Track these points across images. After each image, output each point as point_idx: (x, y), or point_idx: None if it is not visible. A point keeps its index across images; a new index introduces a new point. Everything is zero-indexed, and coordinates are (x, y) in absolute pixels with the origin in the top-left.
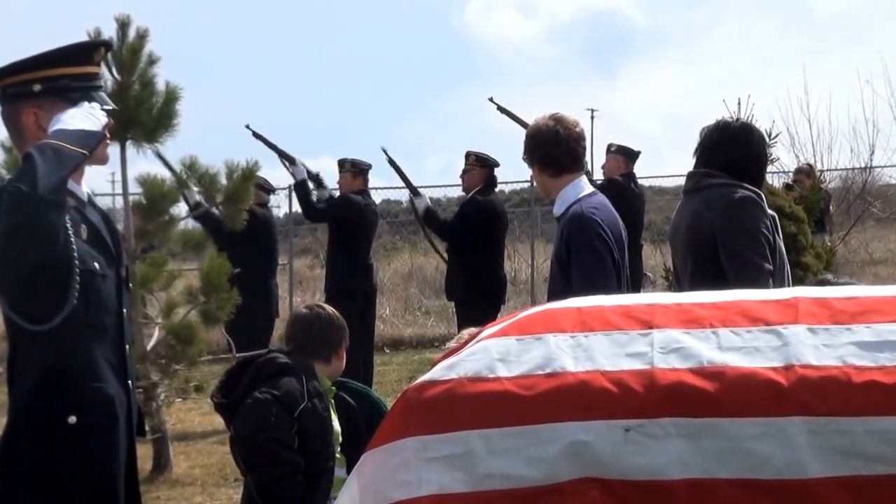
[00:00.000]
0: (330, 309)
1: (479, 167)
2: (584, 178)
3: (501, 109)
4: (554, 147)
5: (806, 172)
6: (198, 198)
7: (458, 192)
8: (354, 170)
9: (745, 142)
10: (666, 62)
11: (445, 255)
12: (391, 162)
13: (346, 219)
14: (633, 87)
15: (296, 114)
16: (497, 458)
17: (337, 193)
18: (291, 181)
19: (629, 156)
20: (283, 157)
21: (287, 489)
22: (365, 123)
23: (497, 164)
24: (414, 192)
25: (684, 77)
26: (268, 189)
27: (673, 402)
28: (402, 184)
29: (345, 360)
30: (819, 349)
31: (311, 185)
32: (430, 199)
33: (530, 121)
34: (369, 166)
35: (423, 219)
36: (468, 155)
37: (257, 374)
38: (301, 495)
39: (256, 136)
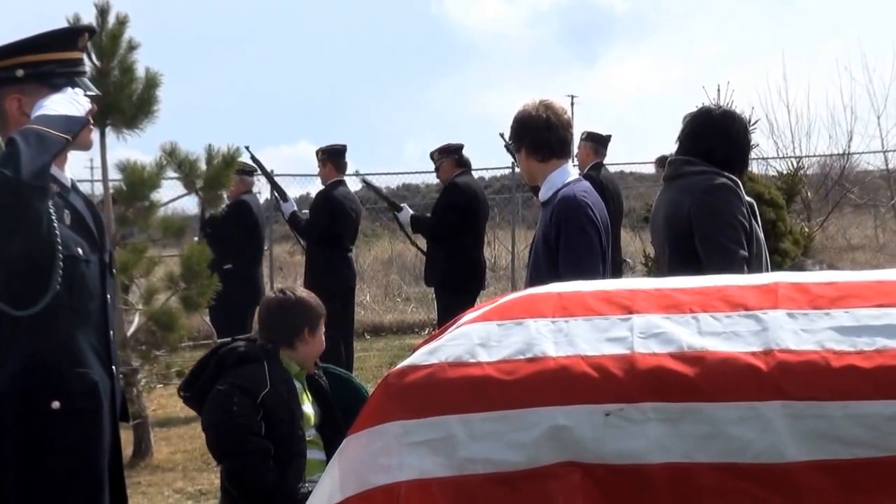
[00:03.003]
0: (301, 292)
1: (446, 158)
2: (570, 165)
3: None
4: (545, 133)
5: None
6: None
7: (436, 179)
8: (326, 157)
9: (725, 129)
10: (646, 48)
11: (420, 246)
12: (368, 184)
13: (323, 218)
14: (612, 73)
15: (275, 100)
16: (478, 442)
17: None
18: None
19: (598, 141)
20: (277, 189)
21: (258, 475)
22: (344, 109)
23: (461, 146)
24: (395, 207)
25: (664, 63)
26: (249, 171)
27: (653, 387)
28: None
29: (321, 343)
30: (798, 334)
31: (298, 214)
32: (409, 185)
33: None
34: (343, 147)
35: (412, 229)
36: (431, 155)
37: (220, 364)
38: (271, 480)
39: (255, 160)
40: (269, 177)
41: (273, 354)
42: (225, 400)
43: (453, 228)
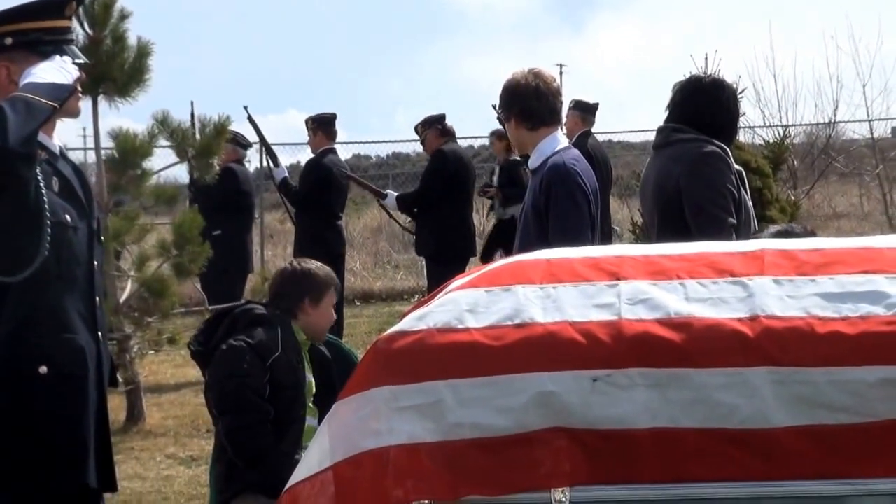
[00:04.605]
0: (314, 264)
1: (430, 129)
2: (560, 132)
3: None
4: (534, 101)
5: (498, 136)
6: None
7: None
8: (316, 126)
9: (715, 98)
10: (633, 16)
11: (405, 226)
12: (349, 177)
13: (314, 186)
14: (600, 41)
15: (263, 69)
16: (466, 407)
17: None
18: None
19: (585, 110)
20: (270, 154)
21: (254, 436)
22: (333, 78)
23: (443, 116)
24: (379, 195)
25: (652, 32)
26: (244, 144)
27: (640, 353)
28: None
29: (325, 316)
30: (784, 300)
31: (289, 181)
32: (399, 154)
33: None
34: (333, 115)
35: (401, 209)
36: (415, 128)
37: (234, 323)
38: (268, 443)
39: (251, 121)
40: (264, 140)
41: (286, 321)
42: (236, 356)
43: (440, 195)
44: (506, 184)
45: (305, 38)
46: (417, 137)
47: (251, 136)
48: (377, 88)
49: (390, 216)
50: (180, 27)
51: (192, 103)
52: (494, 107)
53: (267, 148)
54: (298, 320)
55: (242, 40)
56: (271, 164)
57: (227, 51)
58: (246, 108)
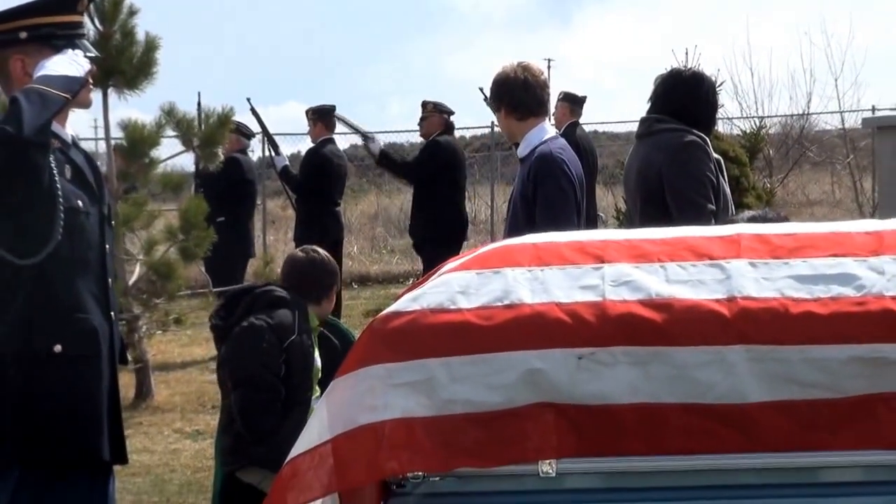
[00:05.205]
0: (324, 253)
1: (437, 114)
2: (547, 123)
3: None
4: (522, 93)
5: None
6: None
7: (419, 139)
8: (316, 117)
9: (695, 89)
10: (618, 11)
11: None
12: (340, 119)
13: (314, 174)
14: (587, 37)
15: (263, 62)
16: (458, 384)
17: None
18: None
19: (574, 102)
20: (272, 143)
21: (265, 412)
22: (330, 70)
23: (453, 112)
24: (365, 137)
25: (636, 28)
26: (247, 134)
27: (623, 332)
28: (367, 130)
29: (334, 303)
30: (759, 282)
31: (290, 169)
32: (393, 144)
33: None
34: (332, 107)
35: (379, 160)
36: (425, 104)
37: (254, 302)
38: (277, 421)
39: (254, 112)
40: (266, 129)
41: (303, 306)
42: (256, 335)
43: (431, 178)
44: None
45: (303, 34)
46: (414, 125)
47: (254, 126)
48: (372, 81)
49: (371, 155)
50: (185, 23)
51: (199, 94)
52: (482, 89)
53: (269, 137)
54: (320, 306)
55: (244, 37)
56: (273, 153)
57: (229, 46)
58: (248, 99)
